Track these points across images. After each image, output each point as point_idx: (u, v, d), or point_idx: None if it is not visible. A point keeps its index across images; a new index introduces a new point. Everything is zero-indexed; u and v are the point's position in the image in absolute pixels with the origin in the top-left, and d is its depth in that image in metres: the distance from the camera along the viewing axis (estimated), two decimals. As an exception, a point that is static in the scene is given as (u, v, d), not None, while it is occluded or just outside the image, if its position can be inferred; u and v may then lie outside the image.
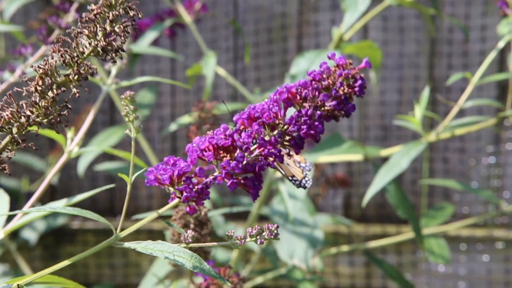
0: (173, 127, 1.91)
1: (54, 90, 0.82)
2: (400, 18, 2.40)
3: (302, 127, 0.84)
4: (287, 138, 0.85)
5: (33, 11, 2.50)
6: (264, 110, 0.84)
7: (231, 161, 0.84)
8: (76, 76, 0.81)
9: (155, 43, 2.09)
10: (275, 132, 0.85)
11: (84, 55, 0.82)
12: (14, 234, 2.38)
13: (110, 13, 0.81)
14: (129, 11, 0.81)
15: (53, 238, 2.49)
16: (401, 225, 2.40)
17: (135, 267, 2.49)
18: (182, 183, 0.85)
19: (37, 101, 0.82)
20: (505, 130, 2.36)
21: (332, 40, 1.84)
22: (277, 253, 1.78)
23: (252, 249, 2.04)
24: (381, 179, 1.64)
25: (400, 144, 2.24)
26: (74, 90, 0.82)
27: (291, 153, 0.87)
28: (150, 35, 1.98)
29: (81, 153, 1.26)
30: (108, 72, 1.36)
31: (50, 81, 0.81)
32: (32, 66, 0.81)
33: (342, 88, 0.84)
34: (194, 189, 0.85)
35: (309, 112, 0.84)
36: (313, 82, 0.85)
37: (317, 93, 0.84)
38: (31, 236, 2.37)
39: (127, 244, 0.86)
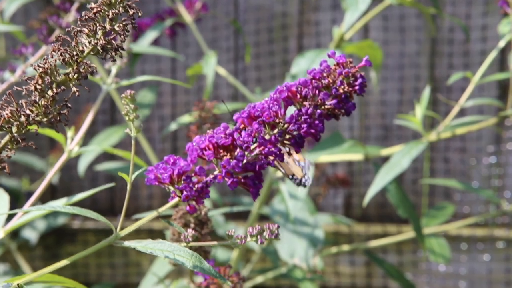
0: (173, 126, 1.91)
1: (54, 89, 0.82)
2: (400, 18, 2.40)
3: (302, 126, 0.84)
4: (287, 137, 0.85)
5: (33, 11, 2.49)
6: (264, 109, 0.84)
7: (231, 160, 0.84)
8: (76, 75, 0.81)
9: (156, 42, 2.09)
10: (275, 131, 0.84)
11: (84, 54, 0.82)
12: (15, 234, 2.38)
13: (110, 11, 0.81)
14: (129, 10, 0.81)
15: (54, 237, 2.49)
16: (401, 224, 2.40)
17: (135, 267, 2.49)
18: (182, 182, 0.85)
19: (37, 100, 0.81)
20: (506, 129, 2.36)
21: (333, 39, 1.84)
22: (277, 252, 1.78)
23: (252, 249, 2.04)
24: (382, 178, 1.63)
25: (401, 143, 2.24)
26: (74, 89, 0.82)
27: (290, 151, 0.87)
28: (151, 35, 1.98)
29: (81, 153, 1.26)
30: (108, 72, 1.36)
31: (49, 80, 0.81)
32: (32, 65, 0.81)
33: (342, 86, 0.84)
34: (194, 188, 0.85)
35: (309, 111, 0.84)
36: (313, 80, 0.85)
37: (317, 91, 0.84)
38: (31, 235, 2.37)
39: (127, 243, 0.86)
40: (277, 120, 0.84)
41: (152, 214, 0.87)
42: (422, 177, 2.44)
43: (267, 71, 2.48)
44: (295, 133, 0.84)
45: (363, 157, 1.80)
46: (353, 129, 2.46)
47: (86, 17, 0.82)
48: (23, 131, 0.83)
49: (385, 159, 2.15)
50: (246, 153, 0.84)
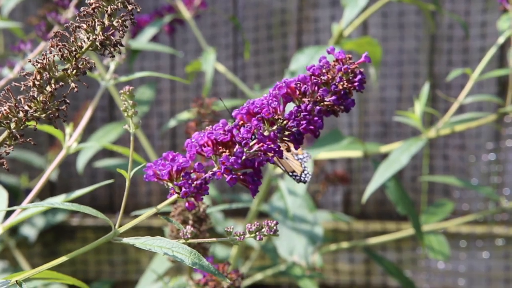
0: (172, 123, 1.91)
1: (52, 85, 0.81)
2: (400, 15, 2.40)
3: (301, 122, 0.84)
4: (286, 133, 0.85)
5: (32, 7, 2.49)
6: (263, 105, 0.84)
7: (230, 157, 0.84)
8: (74, 71, 0.81)
9: (155, 39, 2.09)
10: (274, 127, 0.84)
11: (82, 50, 0.82)
12: (14, 231, 2.37)
13: (109, 7, 0.81)
14: (128, 5, 0.81)
15: (53, 234, 2.49)
16: (401, 222, 2.40)
17: (134, 264, 2.49)
18: (181, 178, 0.85)
19: (35, 95, 0.81)
20: (505, 126, 2.36)
21: (332, 36, 1.84)
22: (276, 249, 1.78)
23: (251, 246, 2.04)
24: (381, 175, 1.63)
25: (400, 140, 2.24)
26: (73, 84, 0.82)
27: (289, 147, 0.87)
28: (149, 31, 1.97)
29: (80, 149, 1.26)
30: (107, 68, 1.36)
31: (48, 75, 0.81)
32: (30, 61, 0.81)
33: (341, 83, 0.84)
34: (193, 185, 0.84)
35: (308, 107, 0.83)
36: (313, 77, 0.84)
37: (316, 88, 0.84)
38: (30, 232, 2.37)
39: (125, 240, 0.86)
40: (276, 117, 0.84)
41: (151, 211, 0.87)
42: (421, 174, 2.43)
43: (266, 68, 2.47)
44: (294, 129, 0.84)
45: (362, 154, 1.80)
46: (352, 126, 2.46)
47: (85, 12, 0.82)
48: (21, 127, 0.82)
49: (384, 156, 2.14)
50: (245, 149, 0.84)
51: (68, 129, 1.23)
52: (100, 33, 0.81)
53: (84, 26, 0.81)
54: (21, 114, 0.82)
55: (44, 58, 0.81)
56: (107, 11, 0.81)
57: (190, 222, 1.16)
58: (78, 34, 0.82)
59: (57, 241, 2.49)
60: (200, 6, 2.06)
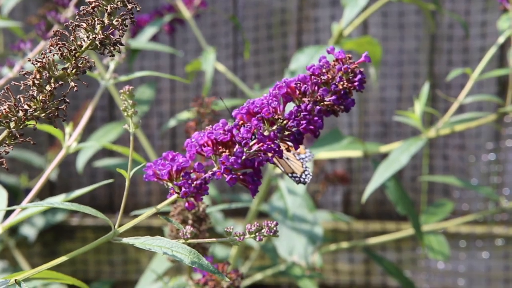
0: (172, 123, 1.91)
1: (52, 84, 0.81)
2: (400, 14, 2.40)
3: (301, 122, 0.83)
4: (286, 133, 0.85)
5: (32, 6, 2.49)
6: (263, 105, 0.84)
7: (230, 157, 0.83)
8: (74, 70, 0.81)
9: (155, 39, 2.09)
10: (274, 127, 0.84)
11: (82, 49, 0.81)
12: (13, 231, 2.37)
13: (108, 6, 0.81)
14: (127, 4, 0.81)
15: (52, 234, 2.49)
16: (400, 222, 2.40)
17: (134, 264, 2.49)
18: (181, 178, 0.85)
19: (35, 95, 0.81)
20: (505, 126, 2.35)
21: (332, 36, 1.84)
22: (276, 249, 1.77)
23: (251, 246, 2.04)
24: (381, 175, 1.63)
25: (400, 140, 2.24)
26: (72, 84, 0.82)
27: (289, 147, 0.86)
28: (149, 31, 1.97)
29: (79, 148, 1.26)
30: (107, 67, 1.36)
31: (48, 74, 0.81)
32: (29, 60, 0.81)
33: (341, 82, 0.84)
34: (193, 184, 0.84)
35: (308, 107, 0.83)
36: (313, 76, 0.84)
37: (316, 87, 0.84)
38: (30, 232, 2.37)
39: (125, 240, 0.86)
40: (276, 116, 0.84)
41: (151, 210, 0.87)
42: (421, 174, 2.43)
43: (266, 68, 2.47)
44: (294, 129, 0.84)
45: (362, 154, 1.80)
46: (352, 125, 2.46)
47: (85, 11, 0.81)
48: (21, 127, 0.82)
49: (384, 156, 2.14)
50: (245, 149, 0.83)
51: (67, 129, 1.23)
52: (100, 32, 0.81)
53: (84, 25, 0.81)
54: (20, 114, 0.82)
55: (43, 57, 0.81)
56: (106, 10, 0.81)
57: (190, 222, 1.16)
58: (78, 33, 0.82)
59: (57, 241, 2.49)
60: (200, 5, 2.06)
